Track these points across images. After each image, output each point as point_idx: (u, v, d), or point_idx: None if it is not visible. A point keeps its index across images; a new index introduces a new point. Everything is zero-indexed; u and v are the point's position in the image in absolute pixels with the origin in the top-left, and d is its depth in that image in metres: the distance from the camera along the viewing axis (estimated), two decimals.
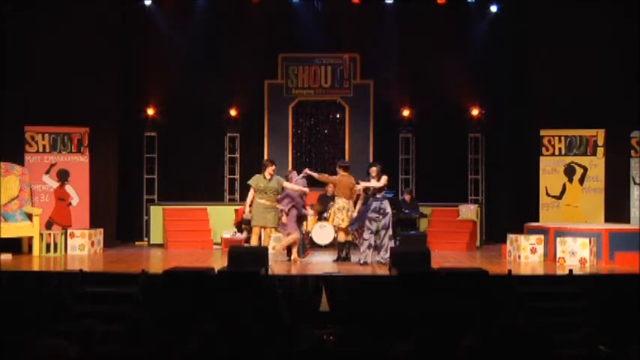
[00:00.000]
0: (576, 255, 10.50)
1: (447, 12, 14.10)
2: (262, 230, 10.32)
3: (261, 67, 14.57)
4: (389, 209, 10.51)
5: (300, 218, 11.18)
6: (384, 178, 10.43)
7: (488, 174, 14.53)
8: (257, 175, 10.39)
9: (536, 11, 13.45)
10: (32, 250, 11.55)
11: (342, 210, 10.71)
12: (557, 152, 13.33)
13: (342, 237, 10.95)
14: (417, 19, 14.15)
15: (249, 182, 10.43)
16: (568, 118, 13.13)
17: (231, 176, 14.72)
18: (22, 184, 12.01)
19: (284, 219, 10.66)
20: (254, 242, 10.35)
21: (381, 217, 10.43)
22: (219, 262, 10.52)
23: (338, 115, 14.89)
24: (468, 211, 13.42)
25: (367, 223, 10.45)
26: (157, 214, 13.65)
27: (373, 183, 10.42)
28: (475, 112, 14.39)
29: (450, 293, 8.37)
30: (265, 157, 14.41)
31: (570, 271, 9.39)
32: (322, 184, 13.80)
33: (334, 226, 11.17)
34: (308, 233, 13.06)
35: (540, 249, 11.07)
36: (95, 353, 5.05)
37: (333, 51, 14.66)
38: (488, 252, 12.62)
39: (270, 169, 10.31)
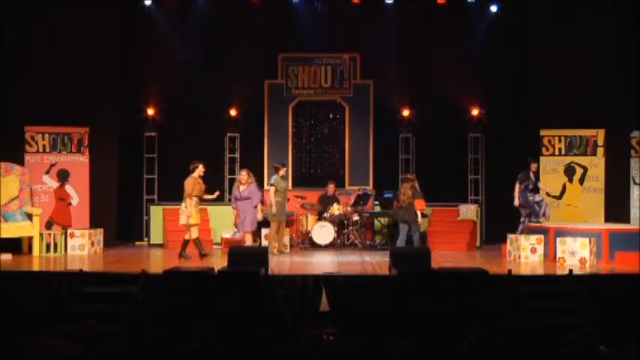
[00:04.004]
0: (576, 255, 10.50)
1: (447, 12, 14.11)
2: (279, 224, 12.05)
3: (261, 67, 14.57)
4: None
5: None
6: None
7: (488, 174, 14.53)
8: (276, 176, 12.05)
9: (536, 11, 13.45)
10: (32, 250, 11.56)
11: (195, 206, 11.33)
12: (557, 152, 13.33)
13: (195, 234, 11.36)
14: (417, 19, 14.16)
15: (272, 183, 12.02)
16: (568, 118, 13.14)
17: (231, 176, 14.71)
18: (22, 184, 12.01)
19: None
20: (272, 236, 11.97)
21: (533, 194, 12.19)
22: (219, 262, 10.52)
23: (338, 115, 14.89)
24: (468, 211, 13.43)
25: (530, 200, 12.07)
26: (156, 214, 13.66)
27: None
28: (475, 112, 14.40)
29: (450, 293, 8.37)
30: (265, 157, 14.58)
31: (570, 271, 9.39)
32: (323, 185, 13.89)
33: (187, 225, 11.31)
34: (308, 233, 13.11)
35: (540, 249, 11.07)
36: (95, 353, 5.05)
37: (333, 51, 14.67)
38: (488, 252, 12.62)
39: (283, 171, 12.19)
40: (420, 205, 11.67)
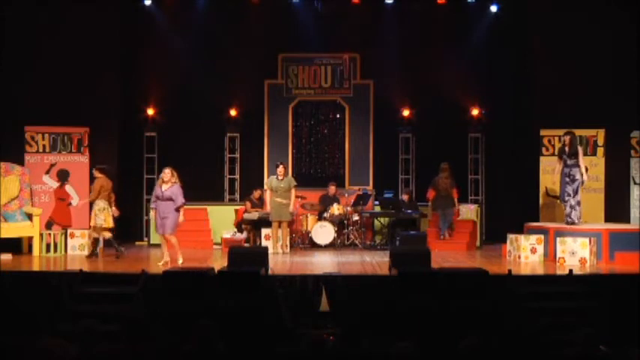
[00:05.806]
0: (576, 255, 10.50)
1: (447, 12, 14.12)
2: (279, 224, 12.09)
3: (261, 67, 14.57)
4: (578, 176, 11.58)
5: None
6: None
7: (488, 174, 14.53)
8: (271, 177, 12.30)
9: (536, 11, 13.45)
10: (32, 250, 11.55)
11: (104, 211, 11.26)
12: (557, 152, 13.30)
13: (107, 235, 11.40)
14: (417, 19, 14.17)
15: (265, 182, 12.52)
16: (568, 118, 13.12)
17: (231, 176, 14.72)
18: (22, 184, 12.01)
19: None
20: (273, 235, 12.09)
21: (570, 180, 11.59)
22: (219, 262, 10.52)
23: (338, 115, 14.89)
24: (468, 211, 13.42)
25: (563, 187, 11.72)
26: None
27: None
28: (475, 112, 14.39)
29: (450, 293, 8.37)
30: (265, 157, 14.57)
31: (570, 271, 9.39)
32: (323, 185, 13.89)
33: (98, 226, 11.27)
34: (308, 233, 13.11)
35: (540, 249, 11.07)
36: (95, 353, 5.05)
37: (333, 51, 14.67)
38: (488, 252, 12.61)
39: (278, 170, 12.07)
40: (456, 193, 13.01)
